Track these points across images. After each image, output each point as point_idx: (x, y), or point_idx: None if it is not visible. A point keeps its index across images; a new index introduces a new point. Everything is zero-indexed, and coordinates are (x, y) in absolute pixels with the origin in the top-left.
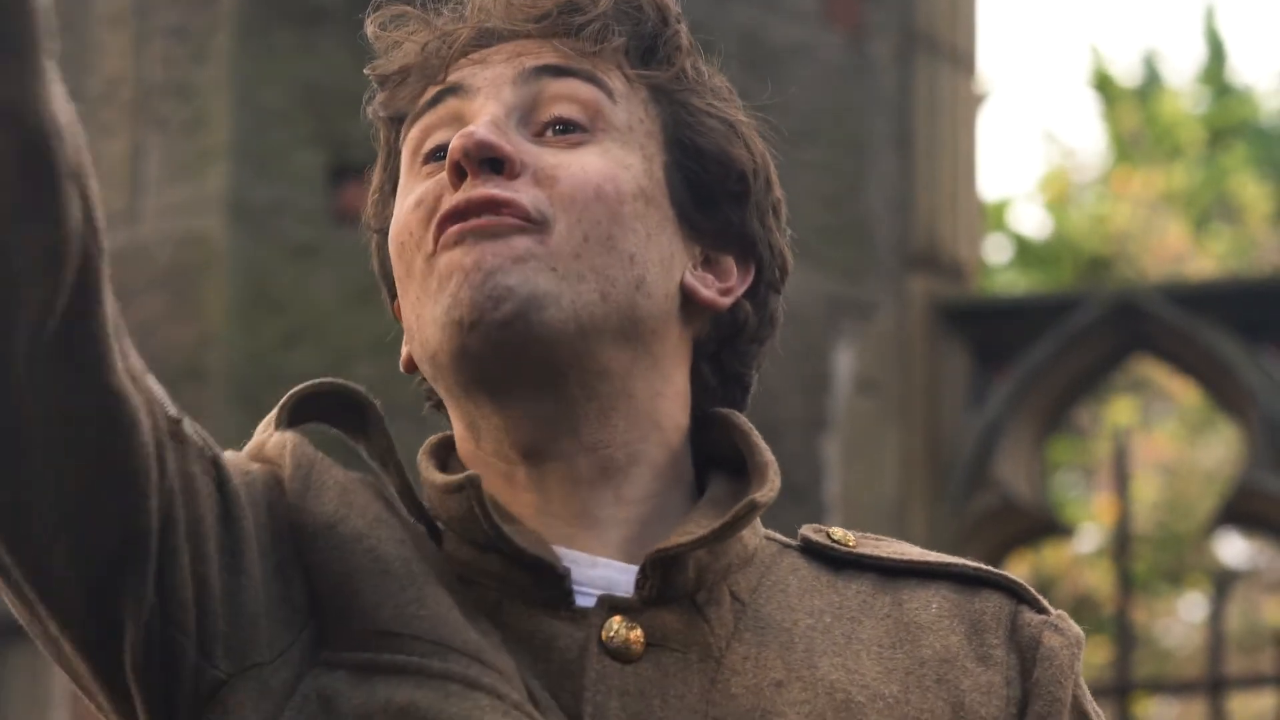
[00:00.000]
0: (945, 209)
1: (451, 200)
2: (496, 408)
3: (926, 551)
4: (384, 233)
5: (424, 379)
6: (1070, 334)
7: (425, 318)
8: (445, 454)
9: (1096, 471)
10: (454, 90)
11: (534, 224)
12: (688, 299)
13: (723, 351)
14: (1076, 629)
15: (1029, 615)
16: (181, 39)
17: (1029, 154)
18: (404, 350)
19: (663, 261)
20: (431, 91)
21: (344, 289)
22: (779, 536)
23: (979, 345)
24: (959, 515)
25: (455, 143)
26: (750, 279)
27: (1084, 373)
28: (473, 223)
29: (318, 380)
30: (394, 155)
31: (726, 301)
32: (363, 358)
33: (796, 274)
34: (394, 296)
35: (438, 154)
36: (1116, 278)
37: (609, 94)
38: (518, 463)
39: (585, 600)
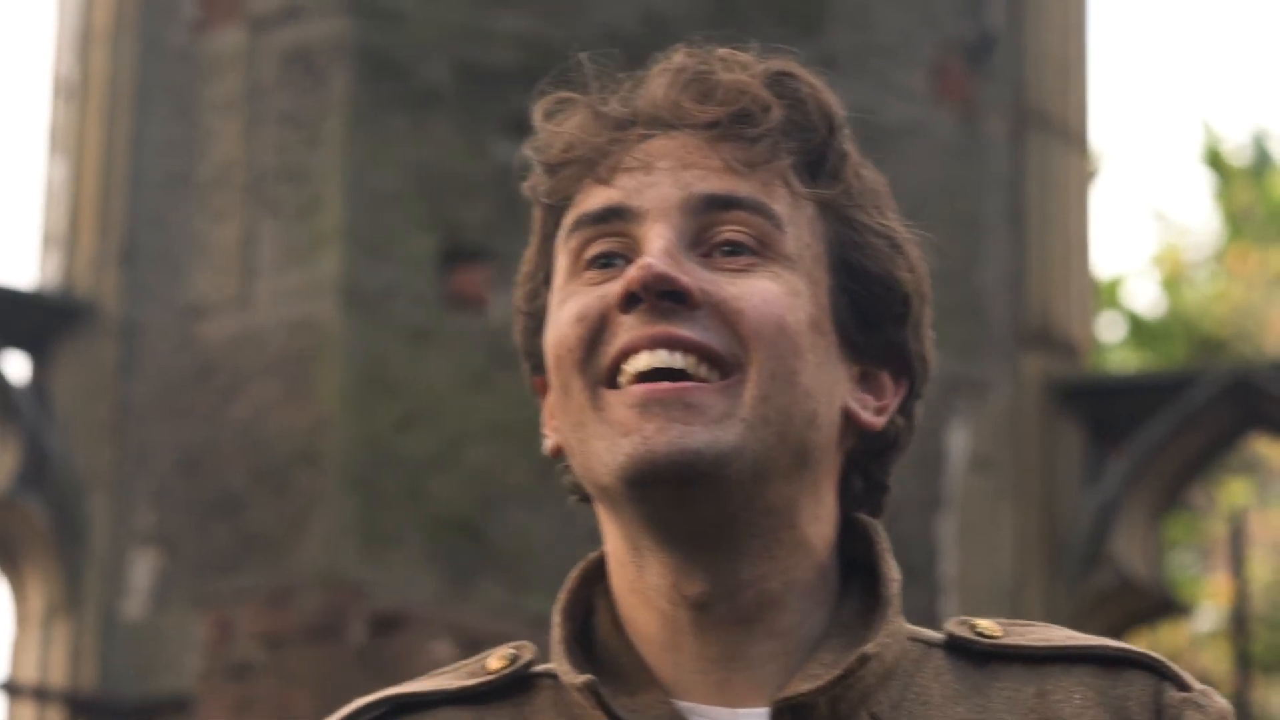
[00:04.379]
0: (1058, 287)
1: (630, 334)
2: (666, 549)
3: (1072, 634)
4: (532, 316)
5: (568, 468)
6: (1185, 411)
7: (594, 454)
8: (589, 589)
9: (1211, 550)
10: (619, 213)
11: (723, 366)
12: (847, 420)
13: (872, 463)
14: (1221, 704)
15: (1172, 694)
16: (293, 124)
17: (1142, 231)
18: (550, 438)
19: (830, 390)
20: (596, 198)
21: (457, 372)
22: (925, 634)
23: (1094, 423)
24: (1075, 594)
25: (633, 273)
26: (903, 393)
27: (1200, 450)
28: (660, 390)
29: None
30: (548, 240)
31: (882, 421)
32: (476, 441)
33: None
34: (535, 372)
35: (599, 260)
36: (1231, 355)
37: (777, 225)
38: (681, 606)
39: None
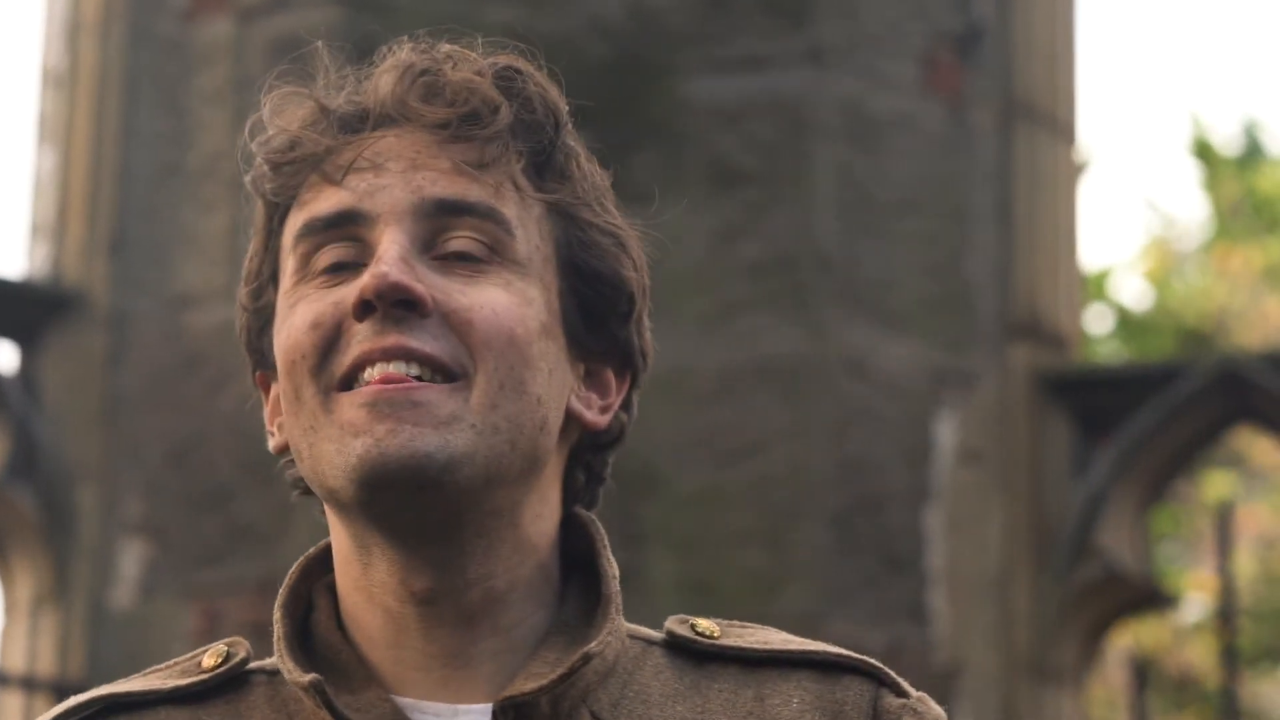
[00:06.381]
0: (1046, 279)
1: (363, 346)
2: (394, 547)
3: (790, 638)
4: (257, 314)
5: (291, 463)
6: (1173, 403)
7: (324, 456)
8: (309, 584)
9: (1197, 543)
10: (351, 217)
11: (451, 376)
12: (570, 419)
13: (594, 458)
14: (937, 710)
15: (889, 700)
16: None
17: (1131, 223)
18: (275, 436)
19: (559, 395)
20: (326, 201)
21: None
22: (644, 633)
23: (1082, 415)
24: (1063, 585)
25: (368, 281)
26: (626, 387)
27: (1187, 442)
28: (390, 389)
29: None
30: (273, 236)
31: (607, 420)
32: None
33: (899, 344)
34: (258, 368)
35: (331, 268)
36: (1218, 348)
37: (508, 230)
38: (408, 603)
39: None
